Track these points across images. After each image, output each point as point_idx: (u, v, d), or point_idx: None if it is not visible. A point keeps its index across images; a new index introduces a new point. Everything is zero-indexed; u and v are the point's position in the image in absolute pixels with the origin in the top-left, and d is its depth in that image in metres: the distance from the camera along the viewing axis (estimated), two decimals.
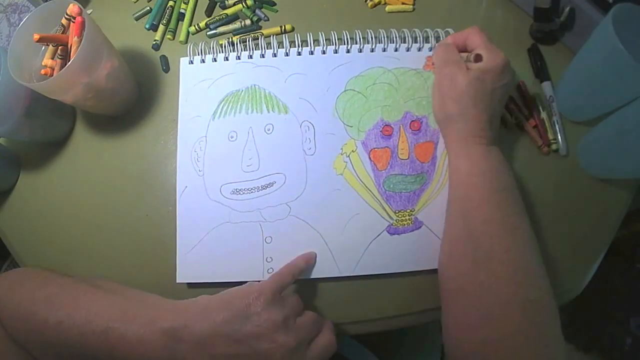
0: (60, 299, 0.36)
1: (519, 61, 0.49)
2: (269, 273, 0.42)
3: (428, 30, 0.47)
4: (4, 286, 0.38)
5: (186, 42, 0.52)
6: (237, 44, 0.48)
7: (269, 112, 0.46)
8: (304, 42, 0.48)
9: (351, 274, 0.42)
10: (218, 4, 0.53)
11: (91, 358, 0.34)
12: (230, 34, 0.51)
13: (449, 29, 0.47)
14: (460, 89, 0.39)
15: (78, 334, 0.33)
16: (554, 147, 0.45)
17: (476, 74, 0.39)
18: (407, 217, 0.43)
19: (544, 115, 0.46)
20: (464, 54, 0.43)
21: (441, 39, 0.47)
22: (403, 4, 0.52)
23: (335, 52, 0.47)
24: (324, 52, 0.47)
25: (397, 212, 0.43)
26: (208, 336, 0.32)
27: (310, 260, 0.41)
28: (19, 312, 0.36)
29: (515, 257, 0.35)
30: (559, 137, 0.46)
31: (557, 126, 0.46)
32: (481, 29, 0.48)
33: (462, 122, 0.40)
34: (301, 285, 0.43)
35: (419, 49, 0.47)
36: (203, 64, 0.48)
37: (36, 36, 0.39)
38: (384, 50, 0.47)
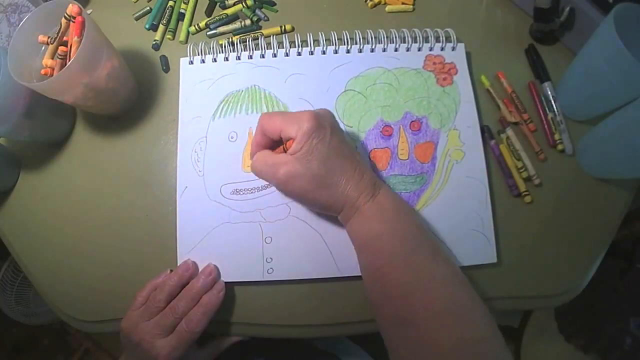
0: None
1: (519, 61, 0.49)
2: (269, 273, 0.42)
3: (428, 30, 0.47)
4: None
5: (186, 42, 0.52)
6: (237, 44, 0.48)
7: None
8: (304, 42, 0.48)
9: (351, 274, 0.42)
10: (218, 4, 0.53)
11: None
12: (230, 34, 0.51)
13: (449, 29, 0.47)
14: (301, 182, 0.36)
15: None
16: (559, 147, 0.45)
17: (298, 155, 0.35)
18: None
19: (550, 115, 0.46)
20: (277, 150, 0.40)
21: (441, 39, 0.47)
22: (403, 4, 0.52)
23: (335, 52, 0.47)
24: (324, 52, 0.47)
25: None
26: None
27: (187, 271, 0.42)
28: None
29: (440, 305, 0.33)
30: (565, 137, 0.46)
31: (562, 126, 0.46)
32: (481, 29, 0.48)
33: (331, 201, 0.36)
34: (301, 286, 0.43)
35: (419, 49, 0.47)
36: (203, 64, 0.48)
37: (43, 38, 0.39)
38: (384, 50, 0.47)
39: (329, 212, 0.38)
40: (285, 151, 0.37)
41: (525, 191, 0.44)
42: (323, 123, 0.36)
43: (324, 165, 0.35)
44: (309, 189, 0.36)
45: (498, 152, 0.45)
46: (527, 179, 0.44)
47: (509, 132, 0.46)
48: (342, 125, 0.45)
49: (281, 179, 0.36)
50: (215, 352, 0.44)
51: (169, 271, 0.43)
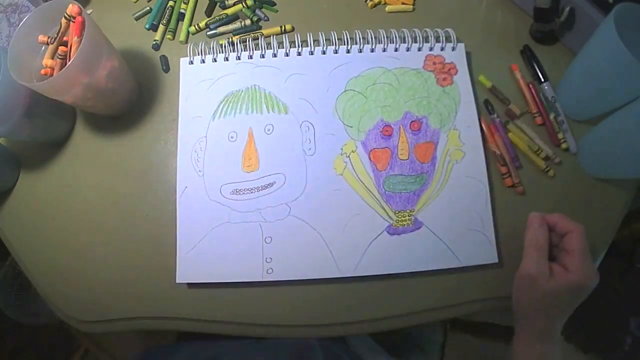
0: None
1: (519, 61, 0.49)
2: (268, 273, 0.42)
3: (428, 30, 0.47)
4: None
5: (186, 42, 0.52)
6: (237, 44, 0.48)
7: (269, 112, 0.46)
8: (304, 42, 0.48)
9: (351, 275, 0.42)
10: (218, 4, 0.53)
11: None
12: (230, 34, 0.51)
13: (449, 29, 0.47)
14: (535, 296, 0.36)
15: None
16: (563, 146, 0.45)
17: (556, 286, 0.35)
18: (407, 218, 0.43)
19: (552, 115, 0.46)
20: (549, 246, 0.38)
21: (441, 39, 0.47)
22: (403, 4, 0.51)
23: (335, 52, 0.47)
24: (324, 53, 0.47)
25: (397, 212, 0.43)
26: None
27: None
28: None
29: None
30: (568, 136, 0.46)
31: (564, 125, 0.46)
32: (482, 29, 0.48)
33: (527, 320, 0.38)
34: (301, 286, 0.43)
35: (419, 49, 0.47)
36: (203, 64, 0.48)
37: (43, 38, 0.39)
38: (384, 50, 0.47)
39: (520, 318, 0.39)
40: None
41: (547, 167, 0.45)
42: (582, 295, 0.36)
43: (551, 304, 0.36)
44: (531, 299, 0.37)
45: (503, 130, 0.45)
46: (546, 159, 0.45)
47: (518, 122, 0.46)
48: (342, 125, 0.45)
49: (532, 272, 0.36)
50: None
51: None
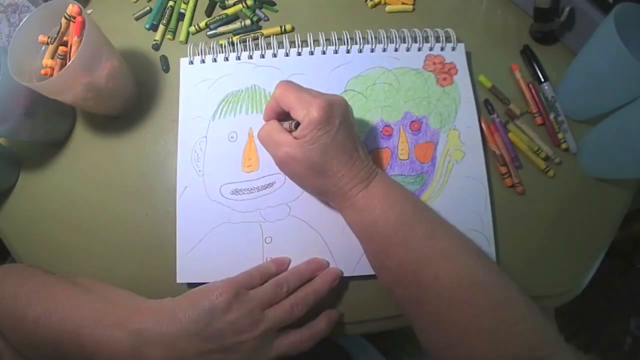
0: (39, 296, 0.36)
1: (519, 62, 0.49)
2: None
3: (428, 30, 0.47)
4: None
5: (186, 42, 0.52)
6: (237, 44, 0.48)
7: None
8: (304, 42, 0.48)
9: (351, 274, 0.42)
10: (218, 4, 0.53)
11: (66, 357, 0.34)
12: (230, 34, 0.51)
13: (449, 29, 0.47)
14: (297, 166, 0.37)
15: (52, 331, 0.34)
16: (563, 146, 0.46)
17: (300, 142, 0.36)
18: None
19: (552, 115, 0.46)
20: (286, 123, 0.39)
21: (441, 39, 0.47)
22: (403, 4, 0.52)
23: (335, 52, 0.47)
24: (324, 53, 0.47)
25: None
26: (176, 337, 0.33)
27: (282, 266, 0.41)
28: (2, 307, 0.36)
29: (448, 280, 0.33)
30: (568, 136, 0.46)
31: (564, 125, 0.46)
32: (482, 29, 0.48)
33: (324, 189, 0.38)
34: None
35: (419, 49, 0.47)
36: (203, 64, 0.48)
37: (43, 38, 0.39)
38: (384, 50, 0.47)
39: (322, 197, 0.41)
40: (293, 128, 0.38)
41: (547, 167, 0.45)
42: (332, 114, 0.35)
43: (323, 156, 0.36)
44: (303, 174, 0.38)
45: (503, 130, 0.46)
46: (546, 159, 0.45)
47: (518, 122, 0.46)
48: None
49: (280, 158, 0.37)
50: None
51: (288, 261, 0.42)
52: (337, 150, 0.36)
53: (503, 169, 0.44)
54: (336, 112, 0.36)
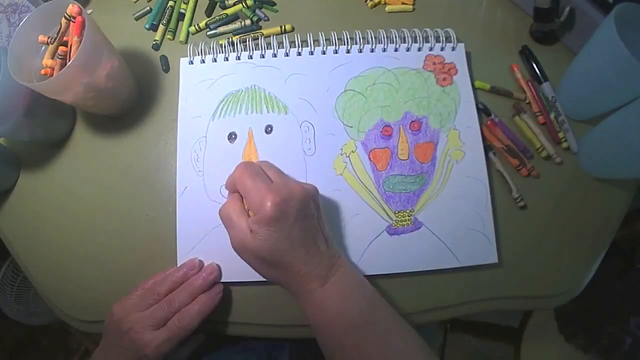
0: None
1: (519, 62, 0.49)
2: None
3: (428, 30, 0.47)
4: None
5: (186, 42, 0.52)
6: (237, 44, 0.48)
7: (268, 112, 0.46)
8: (304, 42, 0.48)
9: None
10: (218, 4, 0.53)
11: None
12: (230, 34, 0.51)
13: (449, 29, 0.47)
14: (249, 257, 0.36)
15: None
16: (564, 145, 0.46)
17: (254, 235, 0.34)
18: (407, 218, 0.43)
19: (553, 115, 0.46)
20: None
21: (441, 39, 0.47)
22: (403, 4, 0.52)
23: (335, 52, 0.47)
24: (324, 53, 0.47)
25: (396, 212, 0.43)
26: None
27: (191, 270, 0.41)
28: None
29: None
30: (569, 135, 0.46)
31: (565, 125, 0.46)
32: (481, 29, 0.47)
33: (278, 281, 0.37)
34: None
35: (419, 49, 0.47)
36: (203, 64, 0.48)
37: (43, 38, 0.39)
38: (384, 50, 0.47)
39: (280, 286, 0.38)
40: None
41: (555, 153, 0.45)
42: (287, 211, 0.34)
43: (275, 253, 0.34)
44: (256, 265, 0.36)
45: (504, 125, 0.45)
46: (547, 158, 0.45)
47: (525, 117, 0.46)
48: (342, 125, 0.45)
49: (235, 244, 0.36)
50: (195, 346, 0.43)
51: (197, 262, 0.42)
52: (292, 246, 0.34)
53: (514, 161, 0.44)
54: (291, 208, 0.34)
